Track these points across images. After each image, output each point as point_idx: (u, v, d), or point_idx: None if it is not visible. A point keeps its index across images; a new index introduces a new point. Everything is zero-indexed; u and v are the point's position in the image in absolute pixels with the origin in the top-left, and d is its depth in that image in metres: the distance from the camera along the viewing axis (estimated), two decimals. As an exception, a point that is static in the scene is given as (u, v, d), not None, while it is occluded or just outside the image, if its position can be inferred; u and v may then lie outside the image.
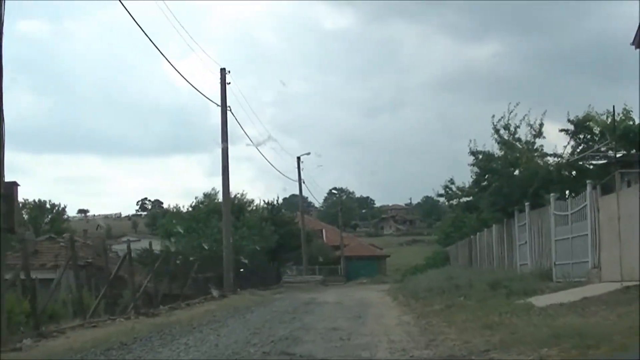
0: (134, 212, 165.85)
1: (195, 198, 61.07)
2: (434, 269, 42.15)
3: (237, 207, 54.85)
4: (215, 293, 28.77)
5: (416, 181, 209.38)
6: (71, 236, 24.36)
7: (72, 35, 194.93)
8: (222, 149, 33.11)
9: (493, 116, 29.17)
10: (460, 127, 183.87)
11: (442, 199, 36.79)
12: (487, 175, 29.36)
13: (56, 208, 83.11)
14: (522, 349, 8.67)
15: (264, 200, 63.82)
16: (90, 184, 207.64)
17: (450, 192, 34.01)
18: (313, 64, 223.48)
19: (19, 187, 13.30)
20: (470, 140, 29.59)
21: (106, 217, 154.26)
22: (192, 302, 25.08)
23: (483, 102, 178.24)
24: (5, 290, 17.95)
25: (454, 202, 35.06)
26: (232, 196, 57.25)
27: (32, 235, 40.84)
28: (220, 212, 51.76)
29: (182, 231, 48.46)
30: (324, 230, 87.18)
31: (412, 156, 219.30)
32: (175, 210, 65.33)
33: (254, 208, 60.84)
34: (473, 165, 29.81)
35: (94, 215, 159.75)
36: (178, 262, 29.78)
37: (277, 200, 65.07)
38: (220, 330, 15.45)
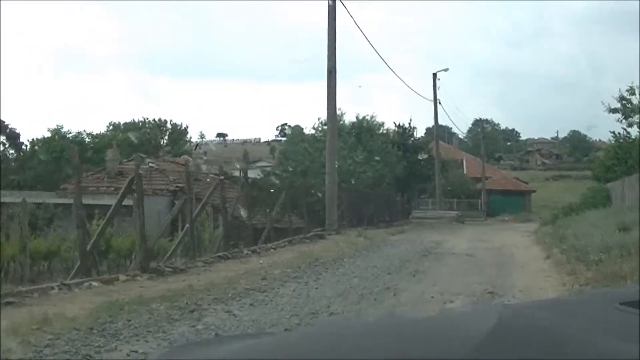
0: (273, 137, 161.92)
1: (318, 119, 53.46)
2: (592, 209, 33.91)
3: (366, 129, 47.87)
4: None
5: (562, 115, 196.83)
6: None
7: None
8: (328, 47, 25.90)
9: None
10: (606, 62, 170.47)
11: (616, 116, 27.98)
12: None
13: (178, 128, 78.51)
14: None
15: (394, 122, 55.71)
16: (231, 109, 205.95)
17: (629, 105, 25.29)
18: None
19: None
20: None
21: (245, 141, 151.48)
22: (266, 247, 18.50)
23: (632, 37, 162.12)
24: None
25: (636, 118, 26.33)
26: (360, 117, 50.69)
27: (115, 154, 35.80)
28: (343, 134, 45.16)
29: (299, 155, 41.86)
30: (464, 160, 79.03)
31: (558, 90, 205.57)
32: (296, 132, 58.43)
33: (385, 131, 52.92)
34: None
35: (233, 139, 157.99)
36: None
37: (410, 123, 56.32)
38: (234, 317, 8.72)
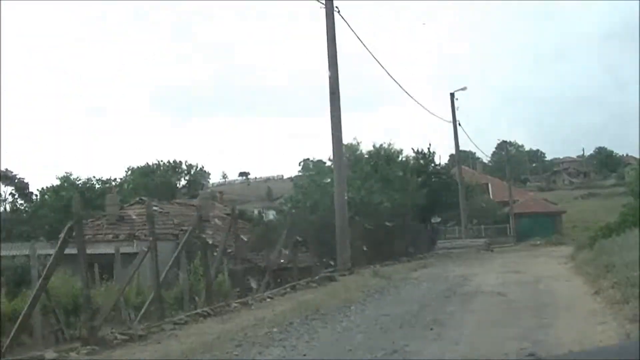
0: (296, 173, 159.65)
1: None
2: (632, 229, 30.66)
3: (384, 157, 45.42)
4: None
5: (587, 133, 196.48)
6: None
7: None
8: (329, 61, 23.38)
9: None
10: (629, 78, 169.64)
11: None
12: None
13: (193, 169, 76.35)
14: None
15: (413, 149, 53.02)
16: (252, 147, 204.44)
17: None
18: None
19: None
20: None
21: (267, 179, 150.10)
22: (261, 297, 15.80)
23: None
24: None
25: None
26: (377, 145, 48.26)
27: (114, 198, 33.74)
28: (360, 164, 42.59)
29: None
30: (489, 185, 76.35)
31: (582, 107, 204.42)
32: (318, 167, 55.96)
33: (404, 159, 50.20)
34: None
35: (255, 177, 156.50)
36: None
37: (430, 149, 53.47)
38: None
